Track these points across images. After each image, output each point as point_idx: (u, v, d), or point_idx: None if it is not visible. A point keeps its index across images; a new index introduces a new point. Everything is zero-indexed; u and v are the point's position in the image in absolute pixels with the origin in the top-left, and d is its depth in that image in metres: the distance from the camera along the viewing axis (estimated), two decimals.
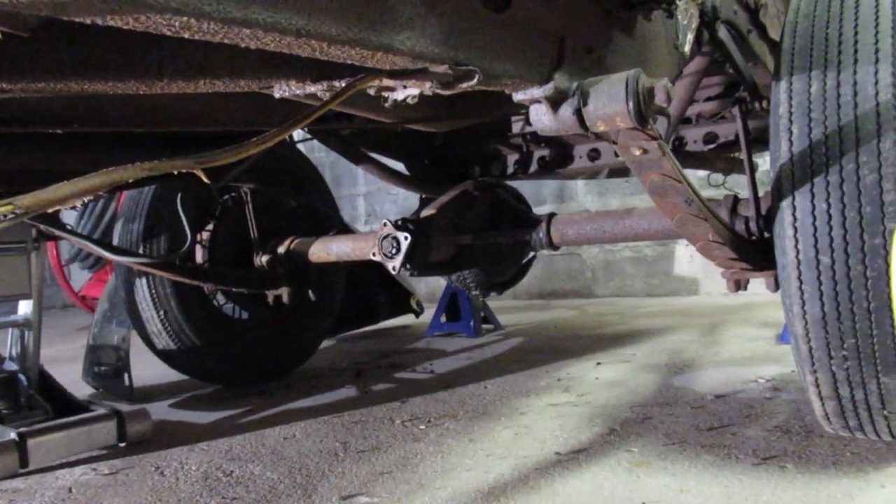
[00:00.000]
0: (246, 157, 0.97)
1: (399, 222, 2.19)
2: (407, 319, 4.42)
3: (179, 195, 2.60)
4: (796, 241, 1.44)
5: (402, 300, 4.21)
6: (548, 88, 1.09)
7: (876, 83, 1.41)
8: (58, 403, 2.32)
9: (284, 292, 2.92)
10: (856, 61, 1.44)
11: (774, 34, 2.37)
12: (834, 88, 1.44)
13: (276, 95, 1.01)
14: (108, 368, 3.06)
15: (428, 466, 1.83)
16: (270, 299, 2.94)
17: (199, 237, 2.86)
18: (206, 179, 0.86)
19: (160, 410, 2.71)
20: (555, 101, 1.11)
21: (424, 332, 4.31)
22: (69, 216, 4.08)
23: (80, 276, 6.65)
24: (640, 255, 5.45)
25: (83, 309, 6.67)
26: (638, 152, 1.23)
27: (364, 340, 4.25)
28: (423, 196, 3.16)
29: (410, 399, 2.59)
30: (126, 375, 2.98)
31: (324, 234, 2.83)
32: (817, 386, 1.52)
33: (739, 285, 2.01)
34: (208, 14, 0.62)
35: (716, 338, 3.41)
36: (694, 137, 3.15)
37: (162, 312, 2.78)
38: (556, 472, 1.72)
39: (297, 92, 1.01)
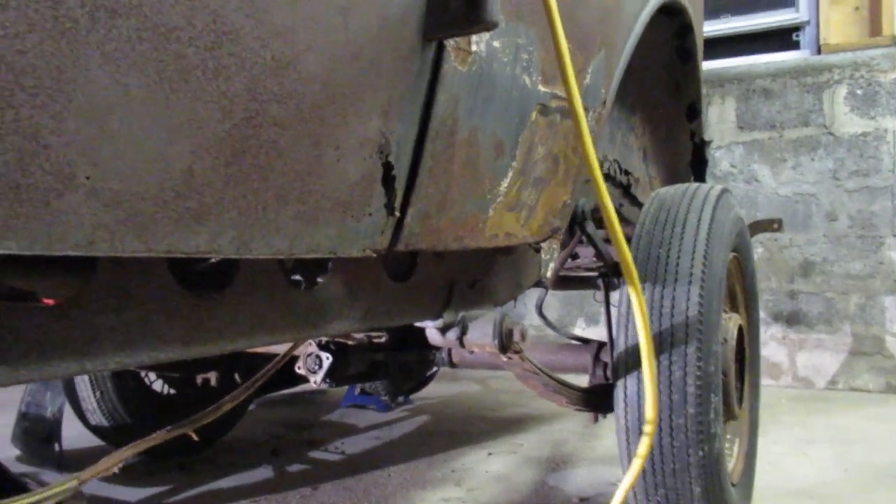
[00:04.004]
0: None
1: (322, 341, 2.56)
2: None
3: None
4: (626, 412, 1.90)
5: None
6: (438, 322, 1.51)
7: (688, 300, 1.89)
8: None
9: (213, 376, 3.23)
10: (676, 280, 1.92)
11: (645, 197, 2.89)
12: (659, 300, 1.92)
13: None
14: (38, 436, 3.27)
15: None
16: (199, 382, 3.25)
17: None
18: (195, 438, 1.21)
19: (89, 484, 2.95)
20: (444, 329, 1.53)
21: (339, 400, 4.65)
22: None
23: None
24: (543, 333, 5.95)
25: None
26: (504, 359, 1.66)
27: (282, 407, 4.56)
28: None
29: (321, 485, 2.94)
30: (56, 444, 3.20)
31: None
32: None
33: (597, 418, 2.48)
34: None
35: (595, 430, 3.90)
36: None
37: (98, 393, 3.04)
38: None
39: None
